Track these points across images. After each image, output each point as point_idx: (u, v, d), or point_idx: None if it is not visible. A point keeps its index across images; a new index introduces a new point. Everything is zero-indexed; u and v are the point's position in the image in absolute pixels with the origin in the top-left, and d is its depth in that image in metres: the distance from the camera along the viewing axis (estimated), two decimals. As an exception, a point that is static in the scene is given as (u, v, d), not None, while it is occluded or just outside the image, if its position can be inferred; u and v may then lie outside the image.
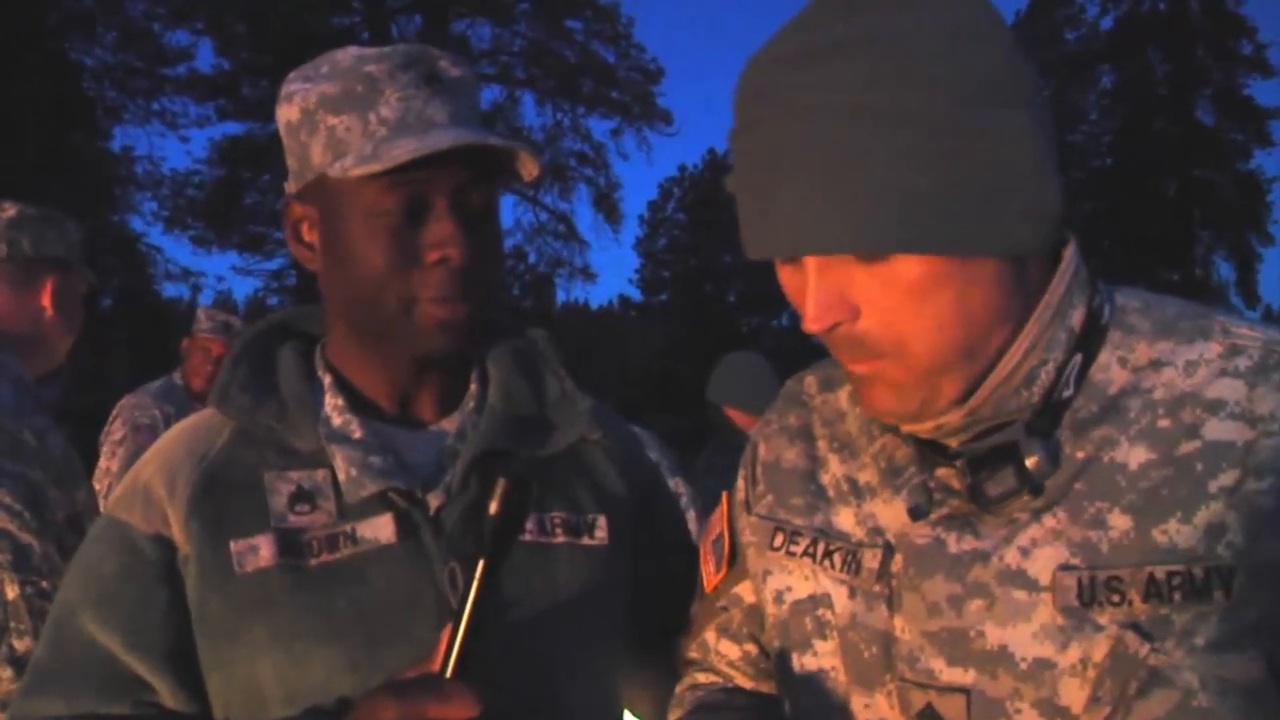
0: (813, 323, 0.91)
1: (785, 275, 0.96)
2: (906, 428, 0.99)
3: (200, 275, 19.89)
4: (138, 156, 19.00)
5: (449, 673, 0.87)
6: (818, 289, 0.90)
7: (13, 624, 1.69)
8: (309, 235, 1.13)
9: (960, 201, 0.86)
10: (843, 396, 1.12)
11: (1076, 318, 0.95)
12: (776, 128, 0.88)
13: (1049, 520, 0.92)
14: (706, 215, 33.15)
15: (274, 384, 1.16)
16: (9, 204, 2.05)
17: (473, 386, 1.21)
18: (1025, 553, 0.92)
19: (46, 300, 2.03)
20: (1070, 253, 0.96)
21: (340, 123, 1.07)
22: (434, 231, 1.06)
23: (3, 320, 1.99)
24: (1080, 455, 0.93)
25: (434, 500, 1.12)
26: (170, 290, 20.78)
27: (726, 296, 32.86)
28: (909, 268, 0.87)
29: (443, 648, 0.89)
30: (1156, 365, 0.94)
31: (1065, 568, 0.90)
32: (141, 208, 19.22)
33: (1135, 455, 0.91)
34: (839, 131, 0.85)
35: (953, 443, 0.98)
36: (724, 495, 1.20)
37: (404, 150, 1.02)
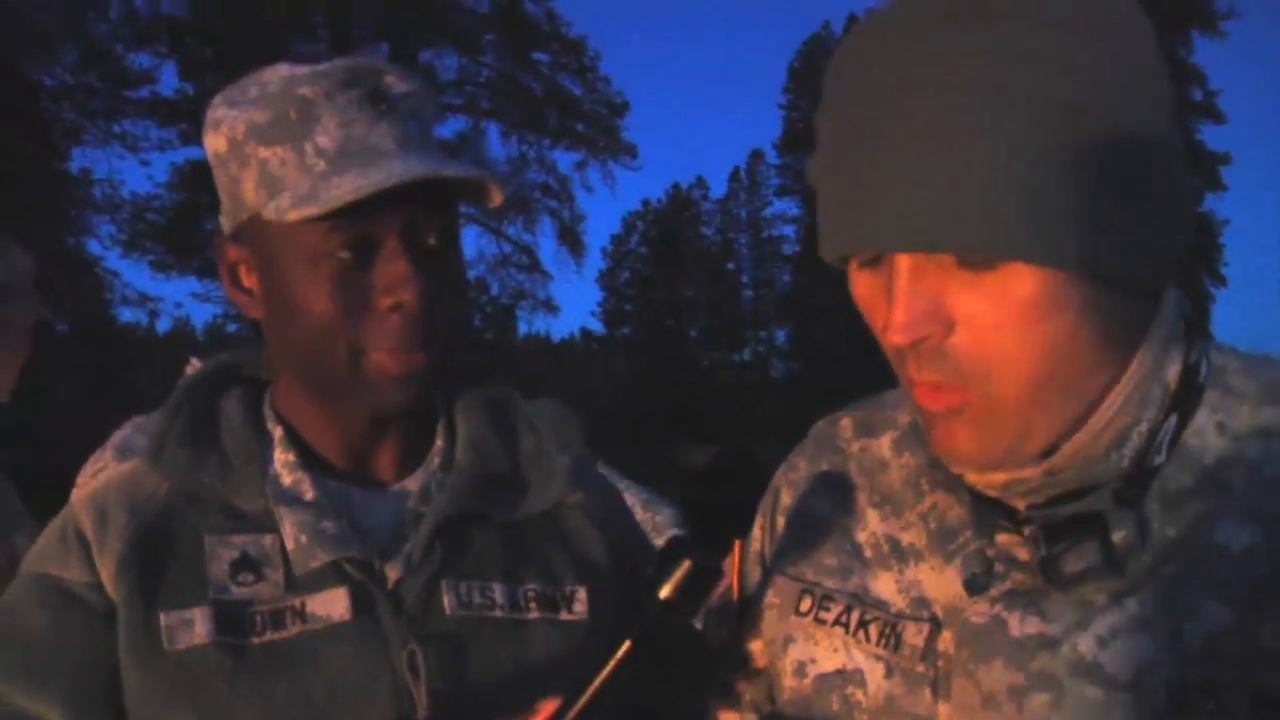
0: (898, 332, 0.77)
1: (861, 281, 0.83)
2: (974, 477, 0.87)
3: (159, 300, 19.59)
4: (96, 179, 18.79)
5: None
6: (910, 294, 0.77)
7: None
8: (247, 279, 1.02)
9: (1094, 207, 0.74)
10: (884, 444, 0.99)
11: (1172, 374, 0.84)
12: (876, 105, 0.76)
13: (1132, 606, 0.80)
14: (669, 249, 33.27)
15: (216, 437, 1.04)
16: None
17: (438, 442, 1.08)
18: (1103, 643, 0.80)
19: None
20: (1170, 299, 0.85)
21: (273, 155, 0.95)
22: (385, 273, 0.95)
23: None
24: (1172, 533, 0.81)
25: (392, 572, 1.00)
26: (127, 315, 20.46)
27: (688, 331, 32.94)
28: (1022, 281, 0.75)
29: (545, 715, 0.81)
30: (1264, 435, 0.82)
31: (1151, 665, 0.78)
32: (100, 231, 18.98)
33: (1239, 538, 0.79)
34: (952, 111, 0.73)
35: (1020, 504, 0.86)
36: (736, 544, 1.07)
37: (344, 189, 0.91)
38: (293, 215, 0.92)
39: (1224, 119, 26.17)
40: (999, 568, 0.86)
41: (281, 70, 0.98)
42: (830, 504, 0.99)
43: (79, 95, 18.37)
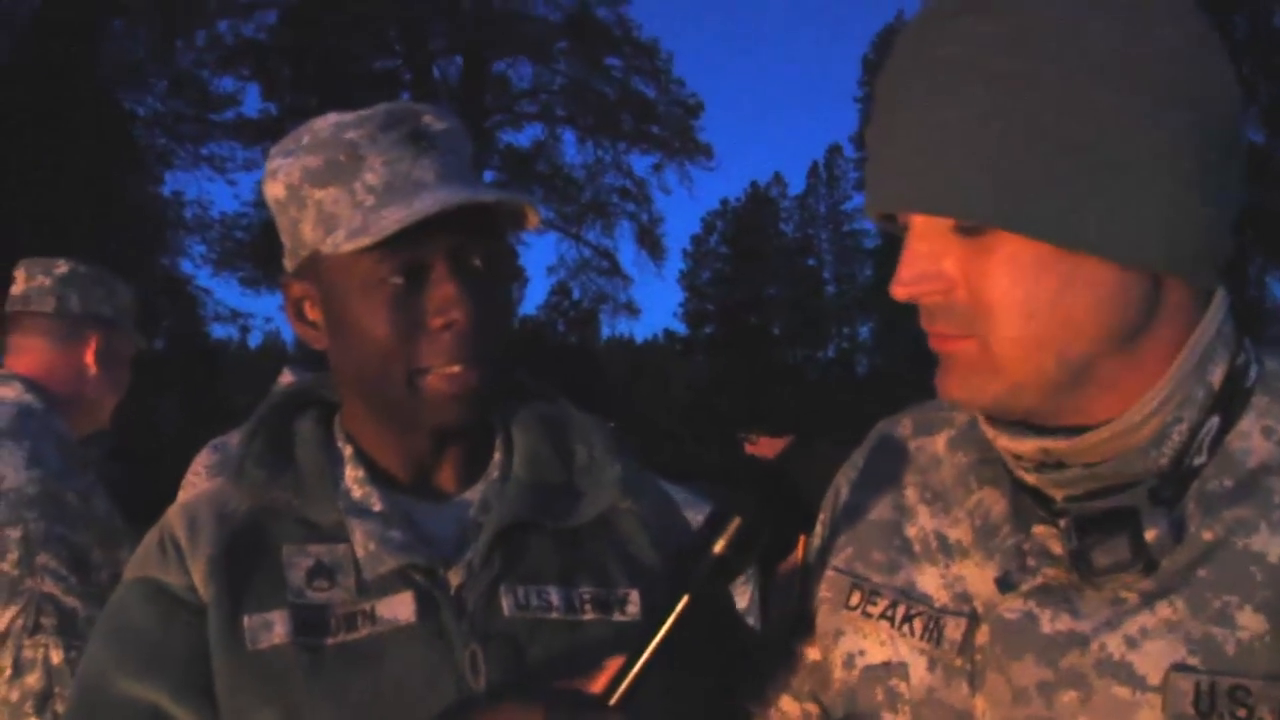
0: (899, 286, 0.83)
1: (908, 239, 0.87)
2: (1006, 444, 0.87)
3: (249, 316, 20.18)
4: (187, 201, 19.37)
5: (613, 701, 0.83)
6: (914, 254, 0.82)
7: (57, 689, 1.68)
8: (312, 313, 1.09)
9: (1067, 185, 0.76)
10: (940, 442, 1.01)
11: (1217, 375, 0.83)
12: (901, 79, 0.82)
13: (1164, 609, 0.80)
14: (749, 247, 33.17)
15: (291, 456, 1.11)
16: (63, 261, 2.06)
17: (496, 455, 1.15)
18: (1133, 643, 0.80)
19: (90, 359, 2.03)
20: (1218, 300, 0.85)
21: (327, 195, 1.03)
22: (436, 295, 1.02)
23: (47, 378, 1.99)
24: (1208, 536, 0.80)
25: (454, 577, 1.06)
26: (219, 331, 21.08)
27: (771, 329, 32.79)
28: (1005, 246, 0.79)
29: (609, 674, 0.84)
30: None
31: (1180, 668, 0.78)
32: (191, 251, 19.56)
33: (1276, 546, 0.78)
34: (955, 89, 0.78)
35: (1058, 495, 0.86)
36: (800, 539, 1.11)
37: (391, 219, 0.98)
38: (347, 247, 1.00)
39: (1321, 90, 25.23)
40: (1031, 561, 0.86)
41: (330, 119, 1.07)
42: (884, 501, 1.02)
43: (169, 121, 18.96)
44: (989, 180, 0.77)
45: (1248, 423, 0.83)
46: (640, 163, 22.17)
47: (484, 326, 1.03)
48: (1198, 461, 0.82)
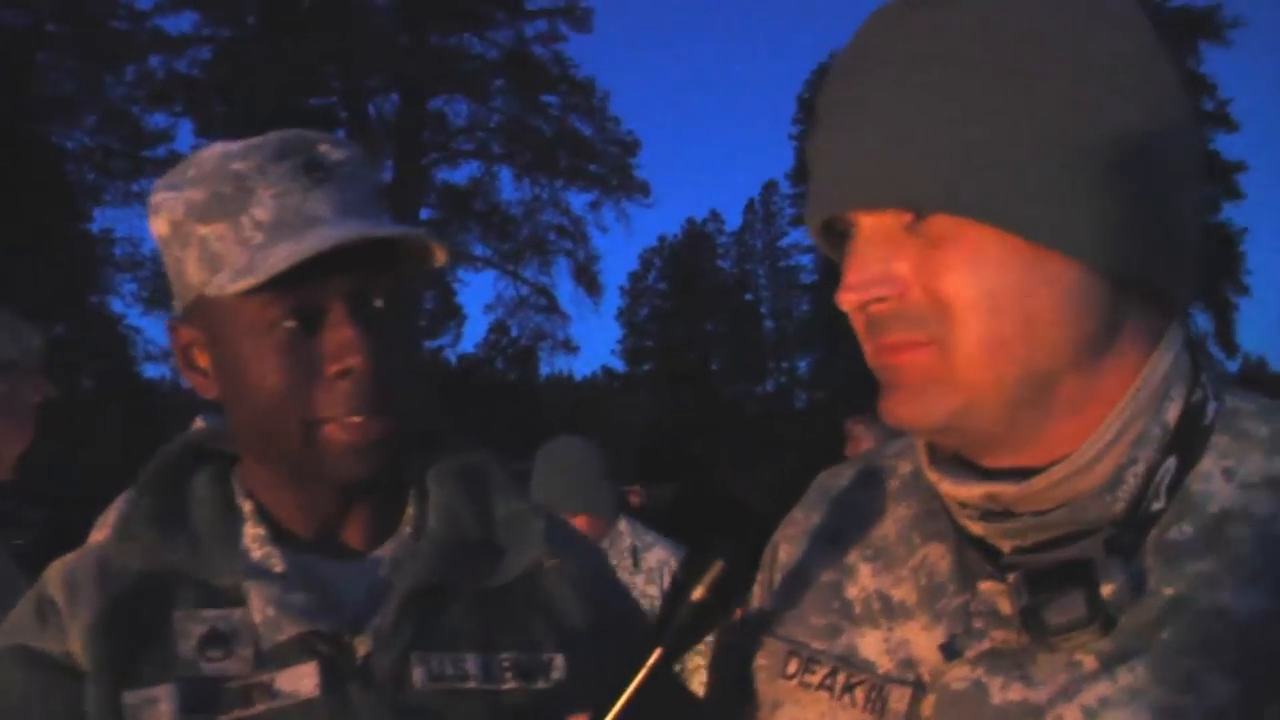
0: (848, 292, 0.76)
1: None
2: (949, 491, 0.81)
3: (181, 356, 19.71)
4: (117, 238, 19.03)
5: None
6: (863, 256, 0.76)
7: None
8: (201, 360, 1.02)
9: (1026, 170, 0.72)
10: (882, 495, 0.94)
11: (1173, 412, 0.77)
12: (859, 73, 0.78)
13: (1125, 675, 0.73)
14: (687, 284, 33.31)
15: (186, 513, 1.03)
16: None
17: (409, 509, 1.06)
18: (1092, 714, 0.73)
19: None
20: (1174, 331, 0.79)
21: (212, 232, 0.96)
22: (332, 340, 0.94)
23: None
24: (1169, 591, 0.74)
25: (362, 645, 0.97)
26: (151, 371, 20.63)
27: (710, 364, 32.89)
28: (967, 241, 0.73)
29: None
30: (1276, 486, 0.75)
31: None
32: (122, 289, 19.20)
33: (1246, 603, 0.71)
34: (918, 79, 0.74)
35: (1006, 547, 0.80)
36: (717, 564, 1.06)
37: (279, 257, 0.91)
38: (231, 288, 0.93)
39: (1236, 127, 26.11)
40: (979, 623, 0.79)
41: (216, 149, 1.00)
42: (823, 559, 0.95)
43: (98, 156, 18.65)
44: (955, 166, 0.73)
45: (1208, 464, 0.77)
46: (577, 200, 22.22)
47: (386, 373, 0.96)
48: (1156, 507, 0.76)
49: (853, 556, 0.93)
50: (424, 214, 20.74)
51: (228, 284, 0.93)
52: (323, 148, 0.99)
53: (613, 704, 0.76)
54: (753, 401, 31.60)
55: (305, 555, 1.02)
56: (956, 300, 0.74)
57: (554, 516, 1.13)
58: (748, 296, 34.77)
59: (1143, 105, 0.75)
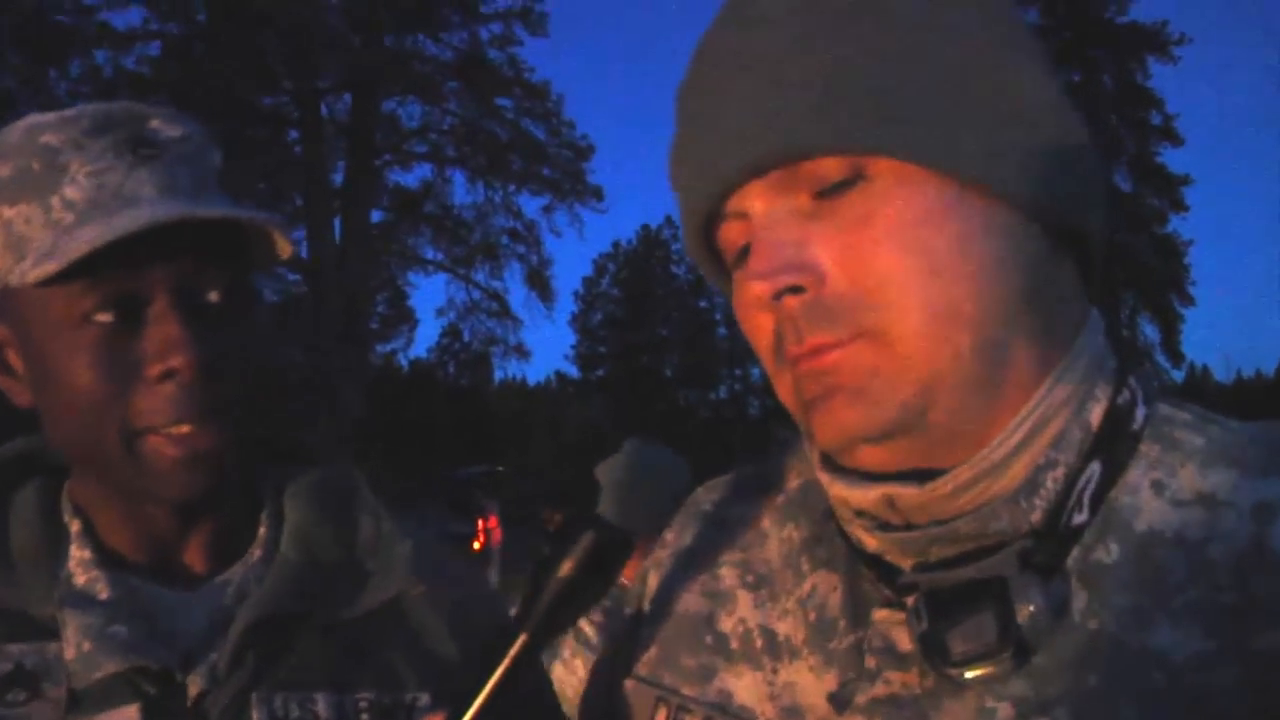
0: (757, 280, 0.65)
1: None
2: (840, 493, 0.70)
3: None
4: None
5: None
6: (767, 242, 0.66)
7: None
8: (15, 361, 0.89)
9: (944, 100, 0.65)
10: (765, 514, 0.82)
11: (1095, 413, 0.68)
12: (716, 42, 0.70)
13: None
14: (641, 290, 33.33)
15: (3, 535, 0.91)
16: None
17: (261, 531, 0.95)
18: None
19: None
20: (1094, 319, 0.71)
21: (17, 214, 0.84)
22: (154, 337, 0.83)
23: None
24: (1094, 625, 0.64)
25: (195, 684, 0.85)
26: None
27: (663, 370, 32.92)
28: (891, 203, 0.64)
29: None
30: (1209, 504, 0.65)
31: None
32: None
33: (1181, 642, 0.62)
34: (792, 31, 0.66)
35: (905, 564, 0.69)
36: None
37: (84, 240, 0.79)
38: (33, 276, 0.81)
39: (1182, 141, 26.58)
40: (873, 662, 0.69)
41: (28, 120, 0.88)
42: (694, 587, 0.83)
43: (41, 154, 18.32)
44: (855, 100, 0.64)
45: (1135, 475, 0.68)
46: (530, 204, 22.15)
47: (219, 375, 0.85)
48: (1078, 519, 0.66)
49: (729, 582, 0.81)
50: (375, 216, 20.56)
51: (30, 271, 0.82)
52: (154, 123, 0.88)
53: (473, 698, 0.66)
54: (706, 408, 31.64)
55: (136, 581, 0.90)
56: (891, 275, 0.64)
57: (425, 538, 1.01)
58: (702, 303, 34.88)
59: (1046, 66, 0.70)
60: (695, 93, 0.71)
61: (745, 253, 0.69)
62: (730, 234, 0.70)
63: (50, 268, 0.80)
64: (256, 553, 0.94)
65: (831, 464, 0.71)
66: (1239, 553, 0.63)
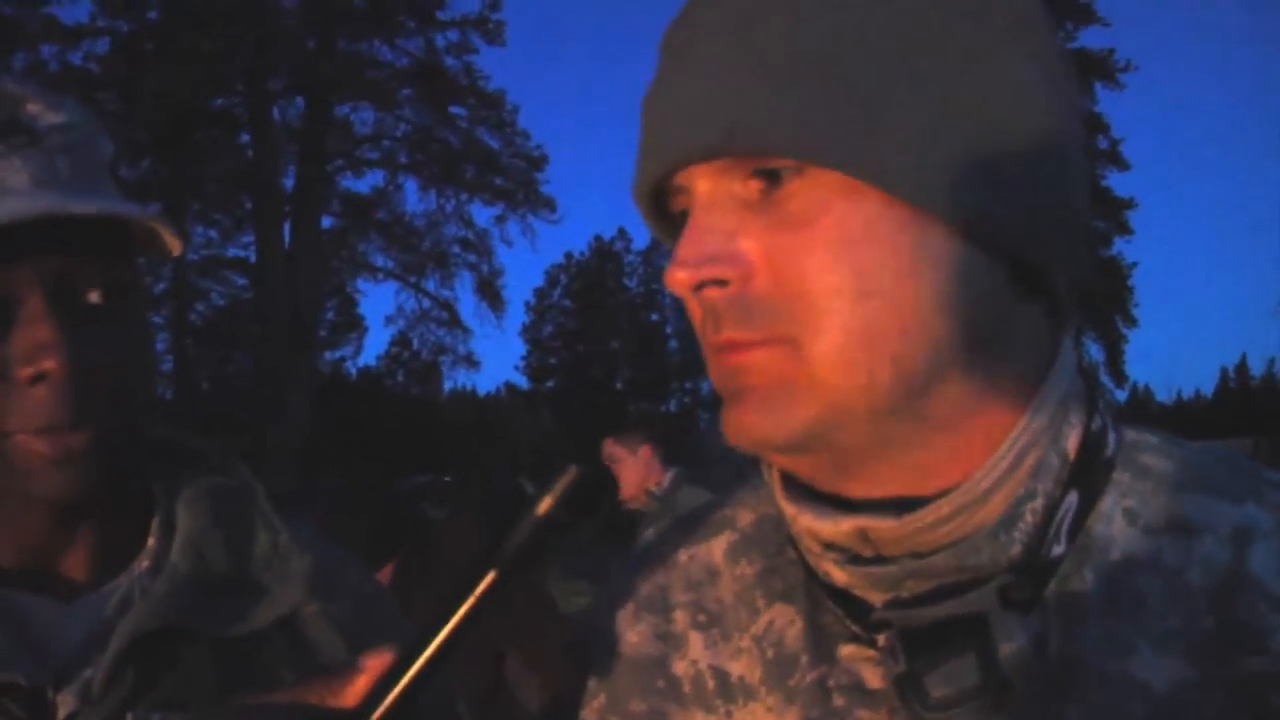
0: (680, 268, 0.62)
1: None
2: (809, 523, 0.66)
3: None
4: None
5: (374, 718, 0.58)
6: (699, 227, 0.62)
7: None
8: None
9: (885, 106, 0.60)
10: (717, 550, 0.79)
11: (1072, 440, 0.65)
12: (679, 29, 0.67)
13: None
14: (593, 301, 33.32)
15: None
16: None
17: (150, 540, 0.89)
18: None
19: None
20: (1067, 345, 0.68)
21: None
22: (24, 338, 0.78)
23: None
24: (1073, 656, 0.63)
25: (66, 703, 0.79)
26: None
27: (614, 383, 32.92)
28: (829, 195, 0.60)
29: (366, 679, 0.61)
30: (1183, 530, 0.64)
31: None
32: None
33: (1162, 671, 0.61)
34: (748, 8, 0.62)
35: (876, 599, 0.65)
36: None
37: None
38: None
39: (1128, 166, 27.08)
40: (840, 701, 0.66)
41: None
42: (643, 629, 0.79)
43: (-18, 151, 17.94)
44: (811, 103, 0.60)
45: (1108, 503, 0.66)
46: (482, 213, 22.05)
47: (94, 377, 0.80)
48: (1056, 551, 0.64)
49: (680, 623, 0.77)
50: (325, 222, 20.37)
51: None
52: (32, 107, 0.82)
53: (435, 633, 0.60)
54: (656, 421, 31.66)
55: (9, 590, 0.84)
56: (817, 287, 0.60)
57: (329, 551, 0.97)
58: (653, 316, 34.94)
59: (1038, 59, 0.65)
60: (670, 48, 0.67)
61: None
62: (679, 205, 0.67)
63: None
64: (144, 563, 0.88)
65: (798, 493, 0.68)
66: (1218, 578, 0.62)
